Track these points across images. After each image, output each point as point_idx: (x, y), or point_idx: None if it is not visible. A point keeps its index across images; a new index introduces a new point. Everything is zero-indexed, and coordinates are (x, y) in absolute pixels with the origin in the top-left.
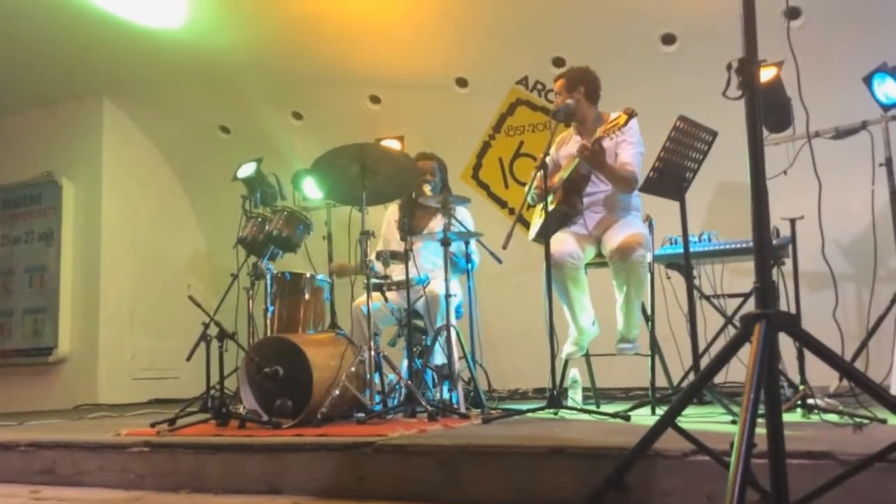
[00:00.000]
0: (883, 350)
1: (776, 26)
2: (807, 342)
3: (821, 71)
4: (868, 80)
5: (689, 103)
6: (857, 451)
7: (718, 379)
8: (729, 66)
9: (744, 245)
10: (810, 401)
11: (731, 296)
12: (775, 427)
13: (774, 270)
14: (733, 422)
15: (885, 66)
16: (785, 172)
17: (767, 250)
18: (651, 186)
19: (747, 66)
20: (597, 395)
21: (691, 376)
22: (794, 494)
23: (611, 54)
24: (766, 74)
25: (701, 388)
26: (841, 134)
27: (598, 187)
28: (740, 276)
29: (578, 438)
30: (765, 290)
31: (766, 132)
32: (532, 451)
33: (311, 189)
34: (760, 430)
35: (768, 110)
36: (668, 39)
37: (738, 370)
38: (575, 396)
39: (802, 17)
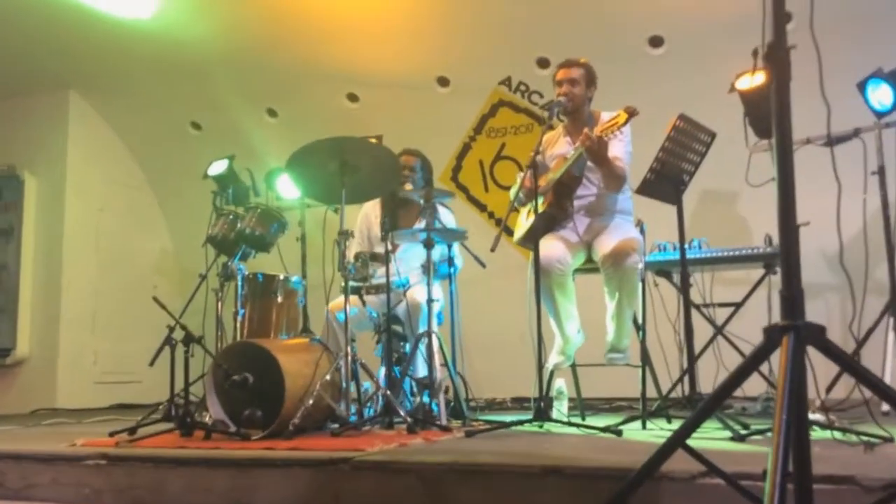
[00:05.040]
0: (873, 362)
1: (767, 31)
2: (837, 357)
3: (813, 76)
4: (862, 86)
5: (676, 108)
6: (882, 476)
7: (706, 390)
8: (755, 52)
9: (745, 252)
10: (811, 416)
11: (721, 305)
12: (803, 450)
13: (766, 280)
14: (732, 439)
15: (880, 71)
16: (774, 179)
17: (795, 258)
18: (648, 188)
19: (776, 52)
20: (583, 406)
21: (686, 387)
22: None
23: (597, 56)
24: (757, 79)
25: (717, 406)
26: (833, 141)
27: (589, 190)
28: (728, 286)
29: (574, 457)
30: (793, 300)
31: (756, 137)
32: (525, 471)
33: (286, 188)
34: (761, 449)
35: (760, 115)
36: (656, 42)
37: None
38: (561, 408)
39: (794, 21)
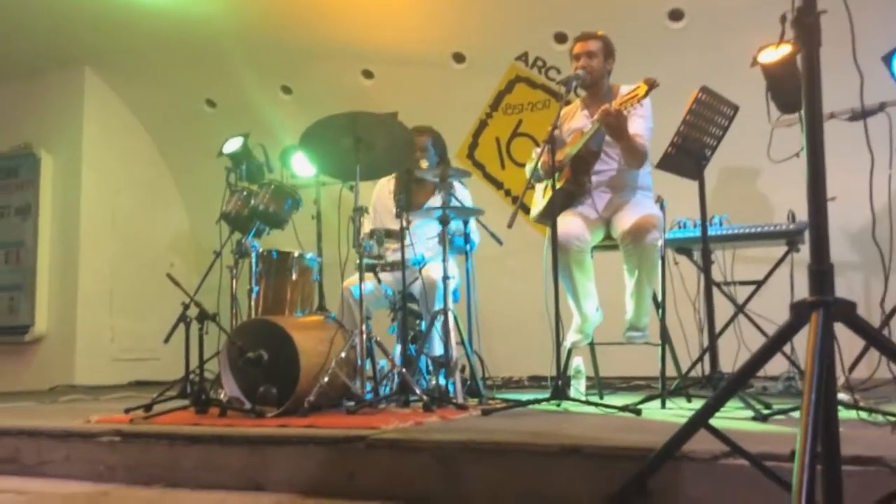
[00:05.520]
0: None
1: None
2: (869, 334)
3: (838, 49)
4: (888, 59)
5: (696, 82)
6: None
7: (726, 370)
8: (783, 18)
9: (767, 229)
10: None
11: (742, 283)
12: (831, 431)
13: (788, 258)
14: (755, 419)
15: None
16: (797, 155)
17: (825, 231)
18: (668, 163)
19: (805, 17)
20: (600, 385)
21: (706, 366)
22: None
23: (616, 30)
24: (780, 52)
25: (743, 384)
26: (857, 115)
27: (608, 165)
28: (748, 264)
29: (593, 436)
30: (823, 275)
31: (777, 113)
32: (543, 451)
33: (301, 166)
34: (785, 429)
35: (781, 90)
36: (676, 15)
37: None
38: (579, 387)
39: None
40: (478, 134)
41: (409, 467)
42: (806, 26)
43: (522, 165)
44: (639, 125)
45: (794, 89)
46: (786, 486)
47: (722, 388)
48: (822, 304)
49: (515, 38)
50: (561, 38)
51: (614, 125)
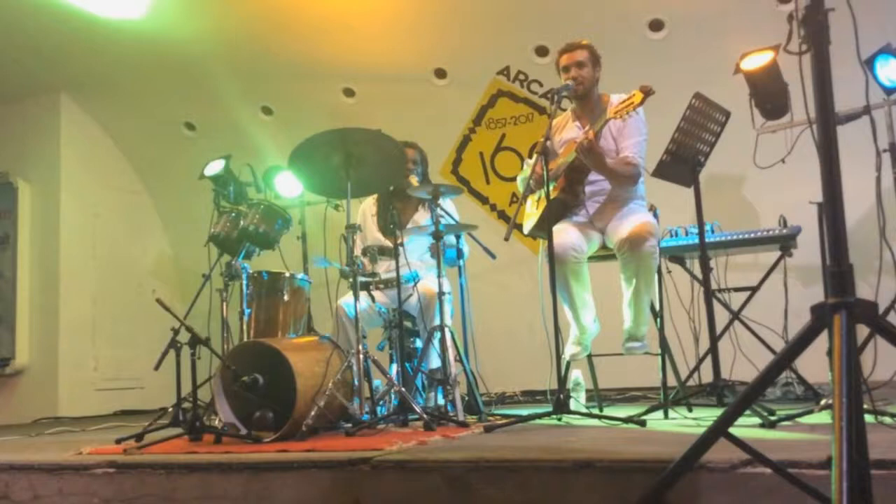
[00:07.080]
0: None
1: (772, 9)
2: (891, 335)
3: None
4: (870, 63)
5: (678, 92)
6: None
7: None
8: (790, 17)
9: (762, 235)
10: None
11: (737, 290)
12: (860, 435)
13: (781, 263)
14: (762, 426)
15: (888, 47)
16: (783, 161)
17: (842, 231)
18: (664, 170)
19: (814, 15)
20: (599, 397)
21: (707, 374)
22: None
23: (597, 42)
24: (762, 59)
25: (761, 392)
26: (842, 119)
27: (602, 175)
28: (737, 271)
29: (603, 450)
30: (843, 276)
31: (761, 119)
32: (556, 467)
33: (285, 186)
34: (798, 436)
35: (764, 96)
36: (656, 26)
37: (744, 368)
38: (579, 399)
39: None
40: (461, 149)
41: (417, 489)
42: (816, 24)
43: (507, 180)
44: (630, 145)
45: (778, 95)
46: (815, 494)
47: (742, 395)
48: (845, 306)
49: (497, 53)
50: (542, 51)
51: (588, 156)
